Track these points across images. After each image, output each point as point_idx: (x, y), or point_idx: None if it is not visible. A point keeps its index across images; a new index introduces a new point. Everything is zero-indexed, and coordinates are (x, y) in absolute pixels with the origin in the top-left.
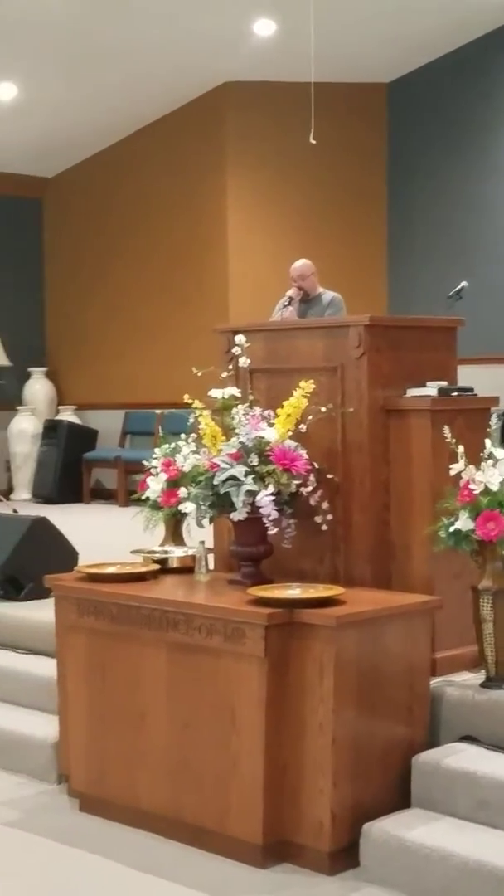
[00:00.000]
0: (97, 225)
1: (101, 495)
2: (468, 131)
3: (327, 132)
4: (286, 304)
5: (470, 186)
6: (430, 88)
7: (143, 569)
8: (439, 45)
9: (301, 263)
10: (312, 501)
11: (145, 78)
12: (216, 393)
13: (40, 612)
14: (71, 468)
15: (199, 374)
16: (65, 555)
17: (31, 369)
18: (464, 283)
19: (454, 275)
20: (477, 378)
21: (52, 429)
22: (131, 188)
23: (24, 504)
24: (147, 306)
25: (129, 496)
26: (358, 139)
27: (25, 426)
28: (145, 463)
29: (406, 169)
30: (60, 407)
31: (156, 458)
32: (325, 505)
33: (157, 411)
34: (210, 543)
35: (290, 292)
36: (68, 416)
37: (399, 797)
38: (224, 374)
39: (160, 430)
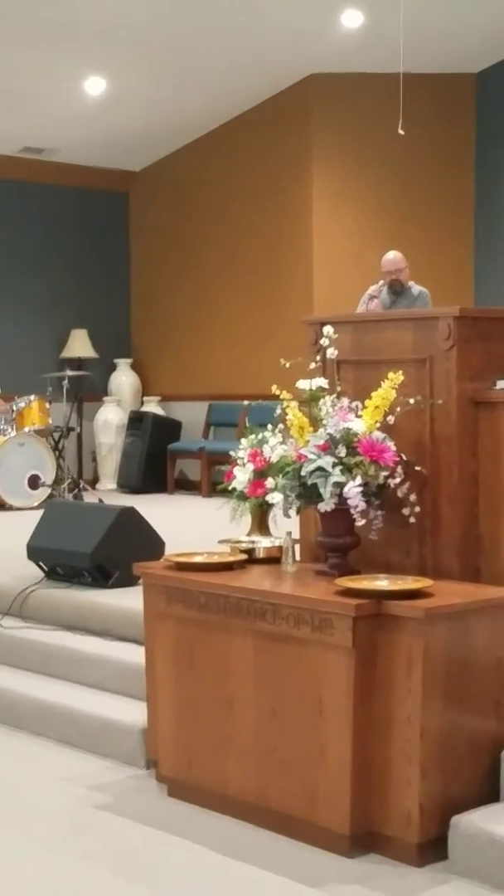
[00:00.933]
0: (183, 218)
1: (185, 486)
2: None
3: (414, 124)
4: (367, 300)
5: None
6: None
7: (231, 558)
8: None
9: (394, 255)
10: (400, 493)
11: (231, 71)
12: (304, 384)
13: (128, 600)
14: (155, 459)
15: (287, 365)
16: (152, 544)
17: (116, 360)
18: None
19: None
20: None
21: (137, 420)
22: (217, 181)
23: (108, 494)
24: (231, 298)
25: (212, 487)
26: (445, 131)
27: (111, 417)
28: (232, 454)
29: (495, 161)
30: (145, 398)
31: (242, 449)
32: (412, 497)
33: (244, 402)
34: (296, 534)
35: (373, 289)
36: (153, 407)
37: (487, 791)
38: (312, 366)
39: (246, 422)
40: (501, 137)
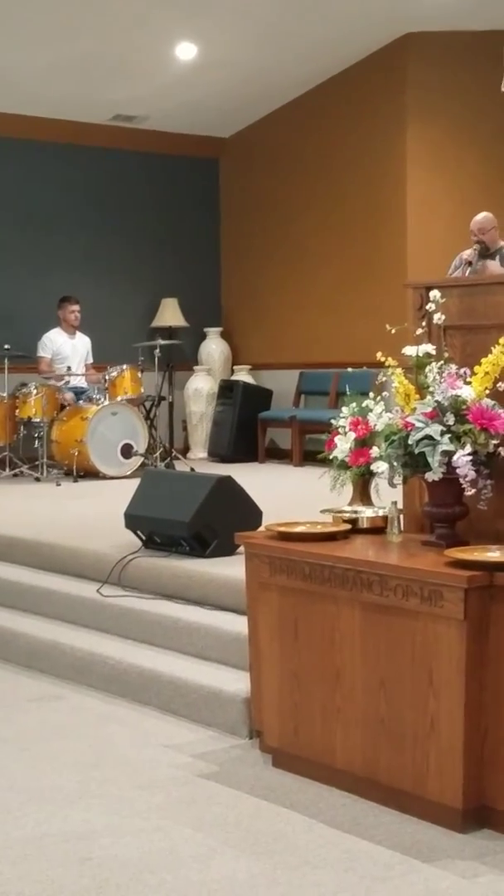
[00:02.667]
0: (273, 184)
1: (276, 455)
2: None
3: None
4: (462, 264)
5: None
6: None
7: (335, 528)
8: None
9: (482, 216)
10: None
11: (323, 32)
12: (410, 350)
13: (226, 569)
14: (246, 428)
15: (393, 331)
16: (249, 513)
17: (206, 329)
18: None
19: None
20: None
21: (227, 388)
22: (308, 146)
23: (199, 463)
24: (323, 266)
25: (303, 456)
26: None
27: (201, 386)
28: (333, 422)
29: None
30: (235, 367)
31: (343, 418)
32: None
33: (339, 370)
34: (400, 504)
35: (467, 254)
36: (243, 375)
37: None
38: (418, 332)
39: (347, 390)
40: None
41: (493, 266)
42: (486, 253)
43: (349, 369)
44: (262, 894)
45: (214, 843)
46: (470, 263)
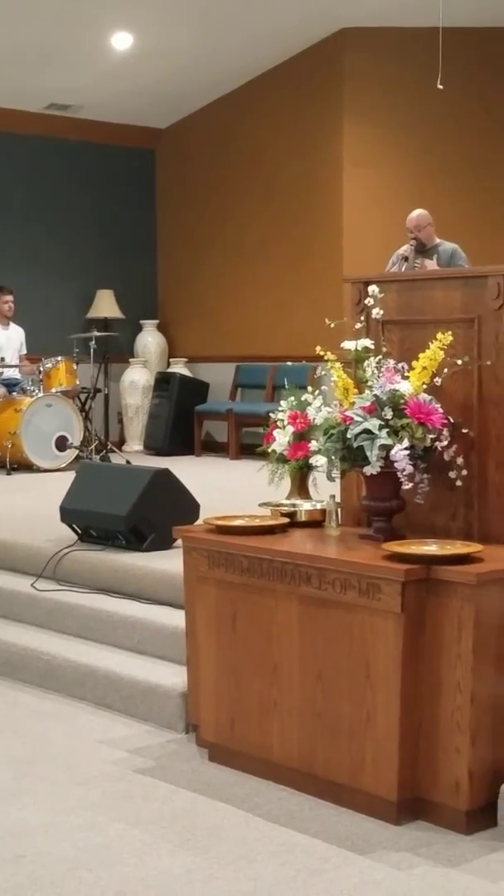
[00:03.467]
0: (210, 176)
1: (212, 448)
2: None
3: (450, 79)
4: (399, 261)
5: None
6: None
7: (273, 522)
8: None
9: (417, 213)
10: (447, 456)
11: (261, 25)
12: (349, 345)
13: (164, 563)
14: (182, 420)
15: (332, 325)
16: (187, 506)
17: (142, 321)
18: None
19: None
20: None
21: (163, 381)
22: (245, 138)
23: (135, 455)
24: (260, 259)
25: (239, 449)
26: (482, 85)
27: (137, 378)
28: (271, 416)
29: None
30: (172, 359)
31: (282, 411)
32: (459, 460)
33: (276, 363)
34: (338, 498)
35: (403, 250)
36: (179, 368)
37: None
38: (357, 326)
39: (285, 383)
40: None
41: (431, 265)
42: (422, 249)
43: (288, 363)
44: (198, 889)
45: (150, 838)
46: (406, 259)
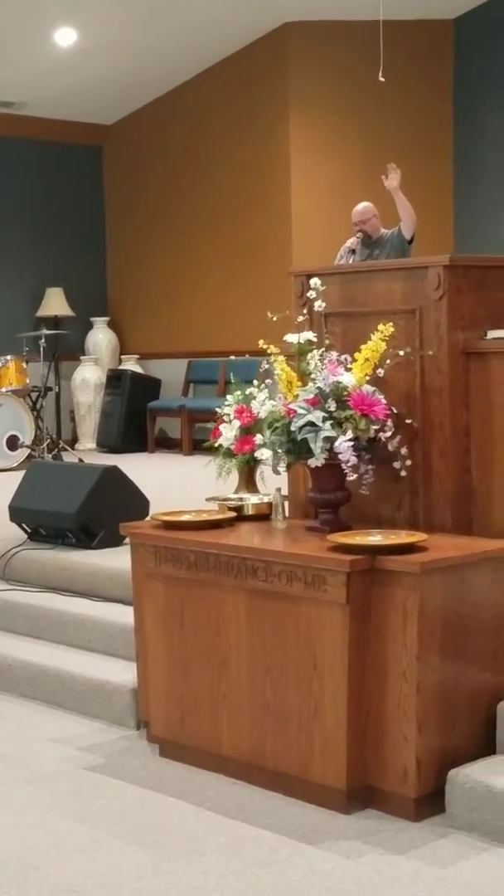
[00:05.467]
0: (158, 172)
1: (165, 444)
2: None
3: (392, 70)
4: (346, 254)
5: None
6: (496, 24)
7: (220, 516)
8: None
9: (362, 206)
10: (391, 447)
11: (206, 20)
12: (292, 338)
13: (113, 560)
14: (135, 417)
15: (275, 318)
16: (136, 503)
17: (93, 319)
18: None
19: None
20: None
21: (115, 378)
22: (193, 133)
23: (88, 454)
24: (209, 254)
25: (193, 445)
26: (423, 77)
27: (88, 376)
28: (218, 410)
29: (472, 106)
30: (123, 356)
31: (228, 406)
32: (403, 450)
33: (227, 358)
34: (285, 490)
35: (350, 242)
36: (131, 365)
37: (485, 744)
38: (299, 319)
39: (232, 378)
40: (479, 84)
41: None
42: (368, 241)
43: (232, 357)
44: (147, 883)
45: (100, 834)
46: (353, 252)
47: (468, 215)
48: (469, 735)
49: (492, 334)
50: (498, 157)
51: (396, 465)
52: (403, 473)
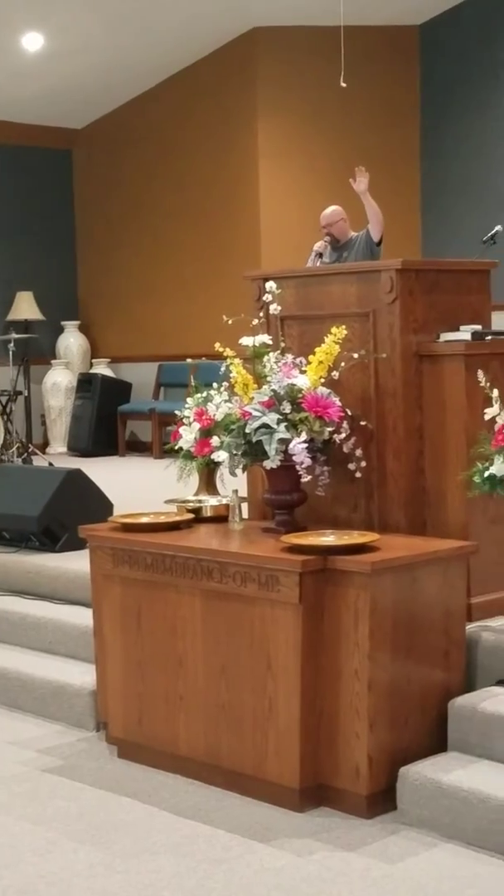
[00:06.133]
0: (127, 175)
1: (136, 448)
2: (501, 72)
3: (359, 76)
4: (314, 258)
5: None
6: (462, 30)
7: (178, 518)
8: None
9: (330, 210)
10: (346, 449)
11: (174, 25)
12: (247, 341)
13: (76, 563)
14: (105, 421)
15: (230, 322)
16: (100, 506)
17: (63, 323)
18: (498, 228)
19: (488, 219)
20: None
21: (86, 382)
22: (162, 137)
23: (59, 457)
24: (179, 257)
25: (163, 448)
26: (390, 83)
27: (59, 380)
28: (178, 413)
29: (438, 112)
30: (94, 360)
31: (188, 408)
32: (358, 452)
33: (187, 361)
34: (244, 492)
35: (318, 246)
36: (102, 369)
37: (436, 741)
38: (255, 322)
39: (192, 381)
40: (445, 89)
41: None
42: (337, 245)
43: (189, 360)
44: (99, 883)
45: (54, 835)
46: (321, 255)
47: (435, 218)
48: (420, 732)
49: (444, 337)
50: (464, 162)
51: (351, 466)
52: (358, 475)
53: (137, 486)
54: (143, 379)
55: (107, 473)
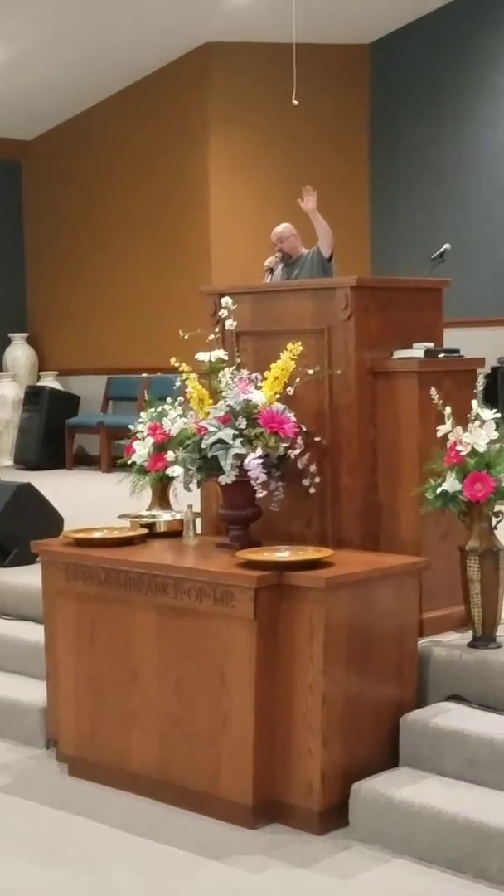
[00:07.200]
0: (78, 188)
1: (84, 461)
2: (449, 92)
3: (310, 93)
4: (266, 273)
5: (451, 147)
6: (411, 49)
7: (131, 533)
8: (419, 6)
9: (281, 227)
10: (300, 464)
11: (127, 39)
12: (203, 356)
13: (26, 578)
14: (53, 434)
15: (186, 337)
16: (50, 520)
17: (11, 335)
18: (447, 246)
19: (437, 236)
20: (457, 341)
21: (34, 395)
22: (113, 150)
23: (6, 471)
24: (129, 270)
25: (112, 462)
26: (340, 100)
27: (6, 392)
28: (131, 427)
29: (388, 130)
30: (42, 373)
31: (142, 423)
32: (312, 468)
33: (143, 376)
34: (197, 507)
35: (269, 261)
36: (50, 381)
37: (388, 756)
38: (211, 337)
39: (146, 395)
40: (394, 107)
41: None
42: (289, 260)
43: (147, 374)
44: None
45: (5, 855)
46: (272, 271)
47: (384, 235)
48: (373, 748)
49: (398, 354)
50: (412, 178)
51: (306, 482)
52: (312, 490)
53: (87, 501)
54: (91, 392)
55: (55, 487)
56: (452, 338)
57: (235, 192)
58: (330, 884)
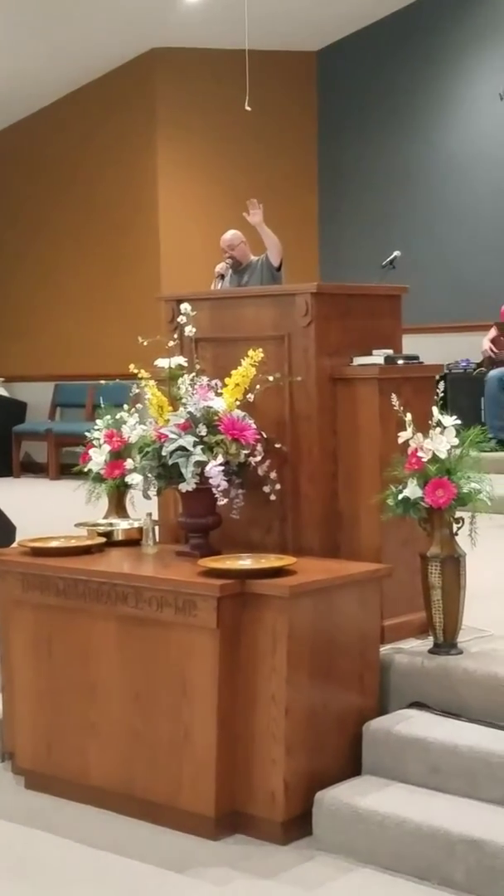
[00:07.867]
0: (25, 192)
1: (31, 469)
2: (396, 99)
3: (259, 100)
4: (216, 279)
5: (399, 155)
6: (359, 57)
7: (89, 542)
8: (366, 14)
9: (230, 234)
10: (261, 471)
11: (71, 43)
12: (162, 362)
13: None
14: (0, 442)
15: (145, 343)
16: (3, 530)
17: None
18: (397, 253)
19: (386, 243)
20: (414, 348)
21: None
22: (60, 155)
23: None
24: (77, 276)
25: (60, 469)
26: (288, 107)
27: None
28: (87, 435)
29: (336, 137)
30: None
31: (98, 430)
32: (273, 475)
33: (95, 382)
34: (155, 515)
35: (219, 267)
36: None
37: (351, 765)
38: (170, 344)
39: (101, 402)
40: (341, 115)
41: None
42: (238, 268)
43: (102, 381)
44: None
45: None
46: (222, 277)
47: (333, 242)
48: (336, 756)
49: (358, 361)
50: (361, 185)
51: (266, 489)
52: (273, 498)
53: (37, 509)
54: (38, 399)
55: (3, 495)
56: (412, 344)
57: (184, 198)
58: (295, 894)
